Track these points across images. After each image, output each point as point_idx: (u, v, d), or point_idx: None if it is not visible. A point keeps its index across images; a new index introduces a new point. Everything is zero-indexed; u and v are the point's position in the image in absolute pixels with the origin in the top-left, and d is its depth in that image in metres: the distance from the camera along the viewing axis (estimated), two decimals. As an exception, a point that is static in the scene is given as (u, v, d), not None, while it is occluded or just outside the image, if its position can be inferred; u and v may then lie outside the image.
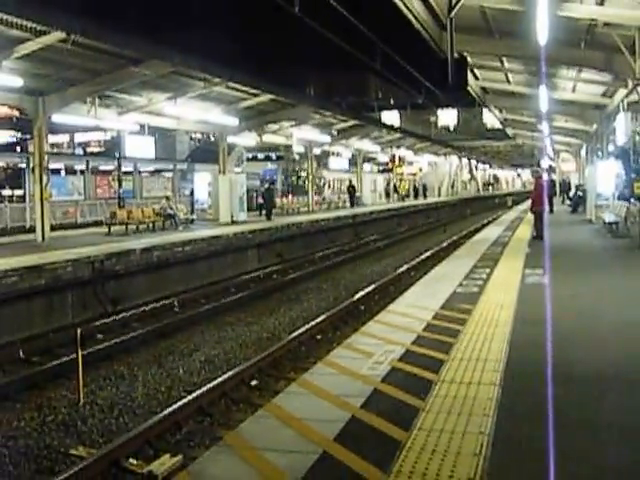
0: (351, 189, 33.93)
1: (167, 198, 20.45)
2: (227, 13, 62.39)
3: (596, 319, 6.65)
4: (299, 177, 40.36)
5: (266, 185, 27.40)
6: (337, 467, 3.33)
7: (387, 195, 42.28)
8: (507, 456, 3.39)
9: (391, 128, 35.79)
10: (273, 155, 45.44)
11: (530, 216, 18.10)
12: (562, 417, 3.87)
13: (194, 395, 6.82)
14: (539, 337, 5.63)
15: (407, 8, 10.48)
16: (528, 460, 3.29)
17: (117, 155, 25.80)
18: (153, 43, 13.50)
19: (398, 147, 41.13)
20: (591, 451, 3.47)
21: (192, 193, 26.03)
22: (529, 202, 19.79)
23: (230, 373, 7.58)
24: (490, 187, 70.88)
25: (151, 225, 19.17)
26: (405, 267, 16.54)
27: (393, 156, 44.83)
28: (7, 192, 29.56)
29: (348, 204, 33.49)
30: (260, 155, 44.77)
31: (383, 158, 46.37)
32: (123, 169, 26.88)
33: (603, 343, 5.70)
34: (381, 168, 51.93)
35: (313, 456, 3.44)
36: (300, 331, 9.63)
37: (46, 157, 15.74)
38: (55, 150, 38.69)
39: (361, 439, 3.67)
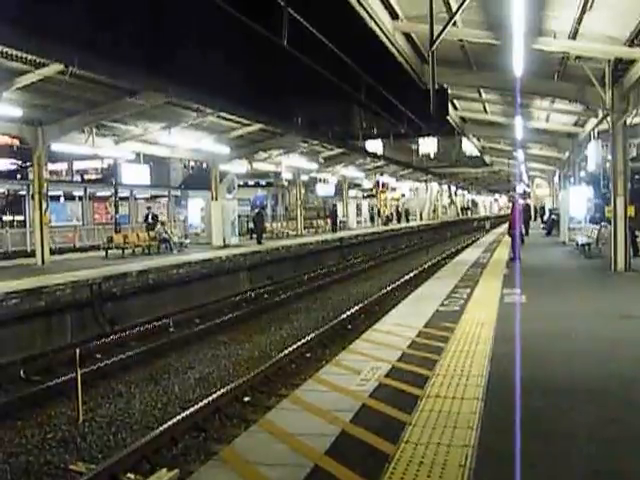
0: (334, 214, 34.13)
1: (162, 223, 20.74)
2: (219, 46, 63.35)
3: (570, 336, 6.81)
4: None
5: (256, 210, 27.74)
6: (328, 480, 3.40)
7: (371, 219, 42.79)
8: (490, 467, 3.49)
9: (375, 156, 36.20)
10: (263, 182, 45.77)
11: (507, 239, 18.51)
12: (541, 428, 4.07)
13: (189, 411, 6.92)
14: (518, 353, 5.76)
15: (391, 42, 10.86)
16: (510, 470, 3.38)
17: (114, 182, 26.04)
18: (147, 75, 13.83)
19: (382, 174, 41.70)
20: (568, 460, 3.62)
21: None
22: (506, 225, 20.32)
23: (223, 390, 7.69)
24: (469, 211, 71.70)
25: (147, 249, 19.41)
26: (390, 287, 16.72)
27: (377, 182, 45.50)
28: (8, 217, 29.64)
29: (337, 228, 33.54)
30: (250, 182, 45.02)
31: (367, 184, 47.02)
32: (119, 195, 27.11)
33: (576, 358, 5.87)
34: (365, 194, 52.51)
35: (305, 469, 3.50)
36: (290, 349, 9.78)
37: (45, 184, 15.98)
38: (54, 177, 38.78)
39: (351, 452, 3.73)
